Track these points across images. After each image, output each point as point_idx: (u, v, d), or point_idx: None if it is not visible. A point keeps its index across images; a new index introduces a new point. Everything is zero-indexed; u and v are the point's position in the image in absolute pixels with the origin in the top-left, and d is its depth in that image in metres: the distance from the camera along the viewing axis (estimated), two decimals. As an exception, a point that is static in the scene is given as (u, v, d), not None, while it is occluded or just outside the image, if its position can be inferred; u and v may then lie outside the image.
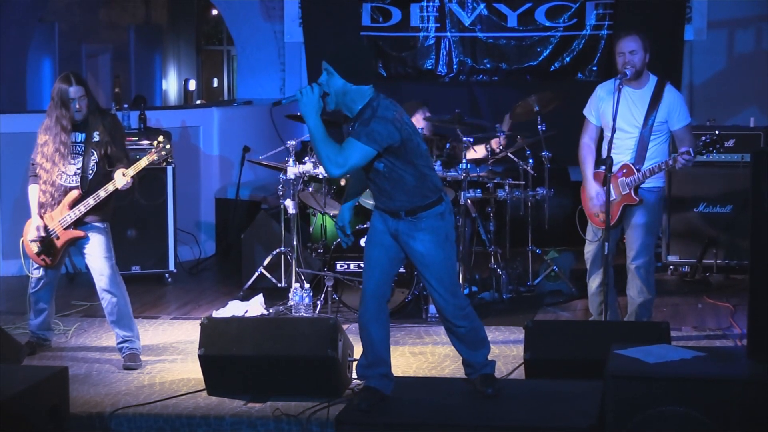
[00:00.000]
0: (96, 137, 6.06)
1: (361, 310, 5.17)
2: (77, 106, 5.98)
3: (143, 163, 6.00)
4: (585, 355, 5.36)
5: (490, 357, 5.29)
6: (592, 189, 6.22)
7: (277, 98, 11.50)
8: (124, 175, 5.93)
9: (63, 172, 6.02)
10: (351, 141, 4.83)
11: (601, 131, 6.32)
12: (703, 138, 6.05)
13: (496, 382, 5.21)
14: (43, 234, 6.04)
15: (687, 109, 6.26)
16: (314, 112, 4.84)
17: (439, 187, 5.06)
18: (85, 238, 6.07)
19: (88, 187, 6.03)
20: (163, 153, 6.08)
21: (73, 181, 6.04)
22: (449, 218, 5.07)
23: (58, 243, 6.09)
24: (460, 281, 7.05)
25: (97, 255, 6.08)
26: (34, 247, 6.11)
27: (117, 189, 5.97)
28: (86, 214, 6.03)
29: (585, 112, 6.37)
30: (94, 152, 6.06)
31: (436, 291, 5.07)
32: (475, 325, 5.17)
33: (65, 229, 6.05)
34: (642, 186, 6.14)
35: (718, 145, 6.02)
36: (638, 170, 6.11)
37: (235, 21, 12.19)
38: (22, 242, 6.19)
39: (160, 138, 6.16)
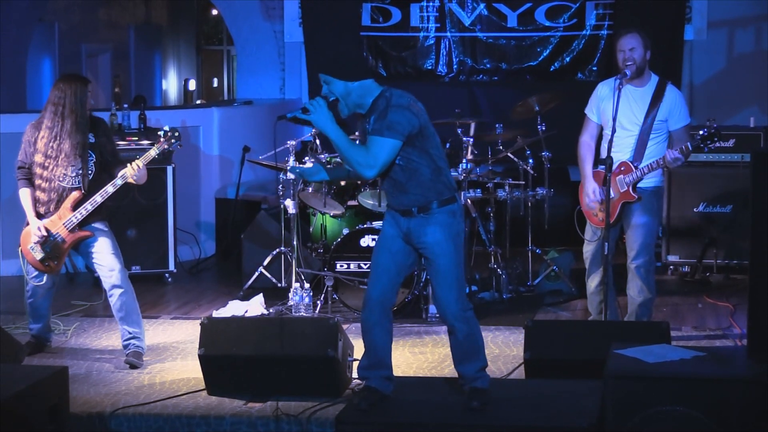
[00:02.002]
0: (92, 139, 6.07)
1: (364, 315, 5.14)
2: (93, 103, 6.02)
3: (153, 152, 6.02)
4: (585, 355, 5.35)
5: (489, 359, 5.22)
6: (590, 186, 6.21)
7: (277, 96, 11.64)
8: (138, 167, 5.93)
9: (64, 173, 6.01)
10: (374, 139, 4.82)
11: (601, 129, 6.33)
12: (701, 132, 6.05)
13: (484, 396, 5.06)
14: (44, 233, 6.02)
15: (687, 110, 6.26)
16: (331, 122, 4.85)
17: (453, 186, 5.03)
18: (91, 238, 6.06)
19: (88, 187, 6.03)
20: (173, 141, 6.08)
21: (75, 182, 6.03)
22: (460, 219, 5.04)
23: (64, 246, 6.07)
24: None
25: (105, 252, 6.07)
26: (38, 254, 6.08)
27: (127, 183, 5.98)
28: (88, 216, 6.01)
29: (586, 110, 6.38)
30: (92, 153, 6.06)
31: (440, 288, 5.02)
32: (474, 332, 5.08)
33: (70, 231, 6.03)
34: (642, 185, 6.15)
35: (716, 138, 6.02)
36: (636, 168, 6.11)
37: (235, 21, 12.19)
38: (21, 250, 6.15)
39: (166, 128, 6.16)
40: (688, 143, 6.04)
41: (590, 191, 6.21)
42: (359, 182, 7.35)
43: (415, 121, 4.83)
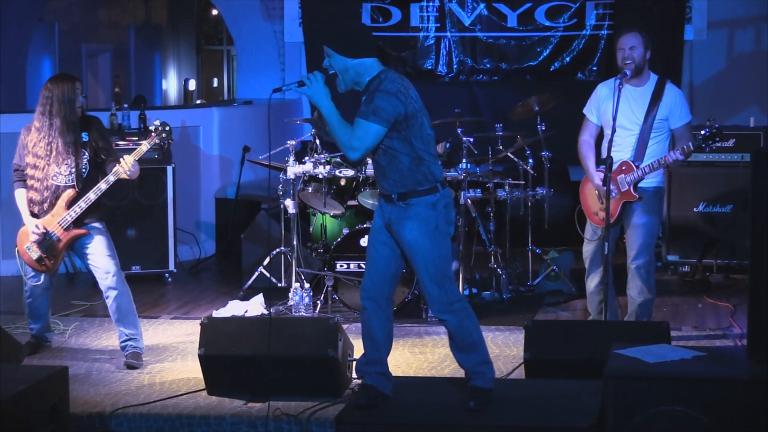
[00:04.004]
0: (85, 137, 6.07)
1: (361, 309, 5.18)
2: (82, 101, 6.01)
3: (144, 147, 6.01)
4: (585, 355, 5.35)
5: (492, 360, 5.18)
6: (597, 177, 6.15)
7: (277, 97, 11.63)
8: (128, 163, 5.93)
9: (57, 172, 6.01)
10: (359, 122, 4.82)
11: (601, 130, 6.32)
12: (703, 132, 6.04)
13: (484, 396, 5.03)
14: (42, 231, 6.03)
15: (688, 108, 6.25)
16: (325, 98, 4.85)
17: (436, 177, 4.97)
18: (86, 239, 6.06)
19: (83, 185, 6.03)
20: (164, 135, 6.08)
21: (68, 180, 6.03)
22: (443, 211, 4.97)
23: (60, 245, 6.07)
24: (460, 281, 7.05)
25: (100, 253, 6.08)
26: (34, 253, 6.08)
27: (119, 179, 5.96)
28: (84, 215, 6.02)
29: (585, 110, 6.38)
30: (85, 151, 6.07)
31: (422, 282, 5.02)
32: (465, 325, 5.02)
33: (65, 229, 6.04)
34: (643, 185, 6.15)
35: (718, 138, 6.02)
36: (637, 167, 6.11)
37: (235, 21, 12.19)
38: (18, 251, 6.15)
39: (157, 122, 6.16)
40: (690, 143, 6.03)
41: (597, 179, 6.14)
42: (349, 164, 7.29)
43: (401, 108, 4.81)
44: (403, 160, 4.90)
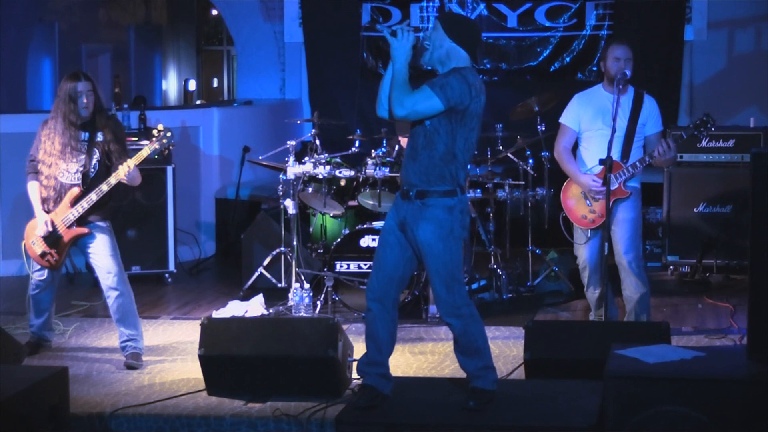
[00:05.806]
0: (100, 137, 6.07)
1: (366, 309, 5.17)
2: (84, 102, 5.98)
3: (145, 152, 6.00)
4: (585, 355, 5.36)
5: (495, 361, 5.19)
6: (587, 178, 6.30)
7: (277, 97, 11.64)
8: (129, 167, 5.93)
9: (66, 169, 6.02)
10: (424, 87, 4.89)
11: (576, 138, 6.43)
12: (695, 120, 6.23)
13: (483, 397, 5.04)
14: (51, 228, 6.03)
15: (662, 119, 6.43)
16: (404, 56, 4.90)
17: (459, 181, 4.98)
18: (89, 237, 6.06)
19: (89, 185, 6.03)
20: (165, 141, 6.07)
21: (75, 179, 6.04)
22: (459, 215, 4.98)
23: (63, 241, 6.08)
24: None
25: (103, 253, 6.08)
26: (38, 248, 6.10)
27: (119, 182, 5.96)
28: (87, 213, 6.02)
29: (563, 119, 6.52)
30: (97, 151, 6.07)
31: (432, 282, 5.05)
32: (470, 330, 5.03)
33: (68, 227, 6.04)
34: (628, 183, 6.29)
35: (710, 125, 6.17)
36: (625, 165, 6.26)
37: (235, 21, 12.19)
38: (24, 245, 6.17)
39: (160, 126, 6.15)
40: (683, 133, 6.26)
41: (590, 181, 6.27)
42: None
43: (466, 99, 4.86)
44: (439, 147, 4.93)
